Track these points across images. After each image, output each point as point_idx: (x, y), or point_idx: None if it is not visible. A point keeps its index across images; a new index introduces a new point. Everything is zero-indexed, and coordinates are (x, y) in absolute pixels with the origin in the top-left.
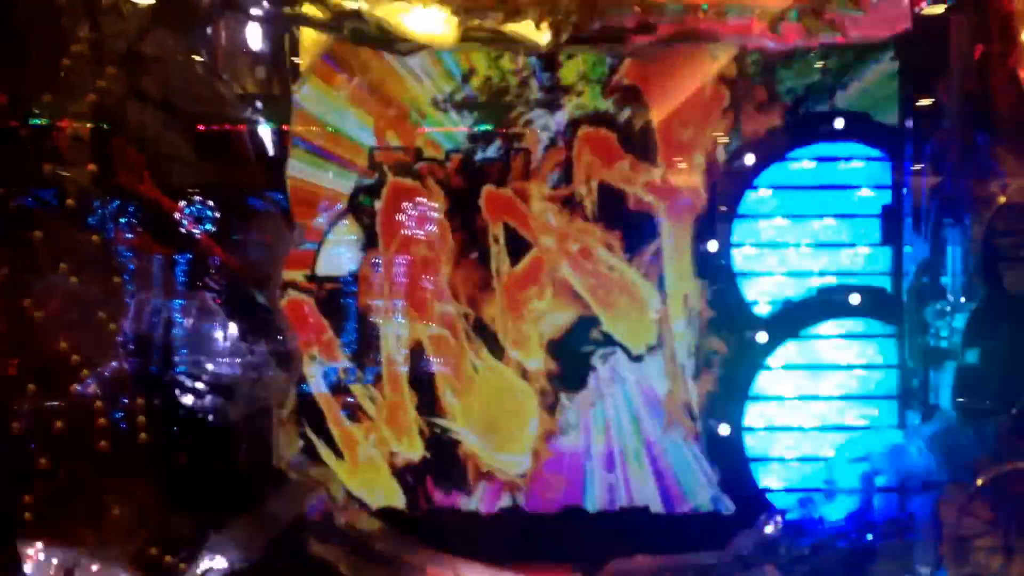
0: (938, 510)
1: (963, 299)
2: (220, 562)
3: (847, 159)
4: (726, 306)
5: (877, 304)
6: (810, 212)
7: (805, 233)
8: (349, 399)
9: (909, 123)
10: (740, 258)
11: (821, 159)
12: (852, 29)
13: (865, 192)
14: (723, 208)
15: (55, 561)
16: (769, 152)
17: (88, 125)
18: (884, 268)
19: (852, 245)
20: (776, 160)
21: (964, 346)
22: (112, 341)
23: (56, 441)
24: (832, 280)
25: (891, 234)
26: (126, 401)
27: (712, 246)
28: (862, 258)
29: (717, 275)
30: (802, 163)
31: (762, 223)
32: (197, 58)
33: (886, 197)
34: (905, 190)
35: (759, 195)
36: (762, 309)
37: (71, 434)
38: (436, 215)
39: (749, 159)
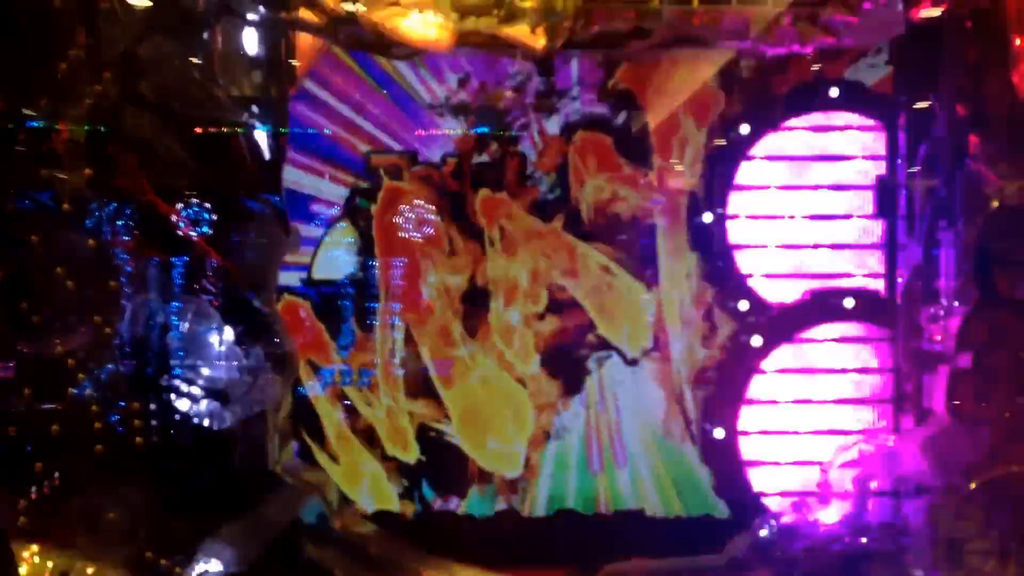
0: (931, 514)
1: (956, 303)
2: (215, 565)
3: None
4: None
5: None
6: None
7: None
8: (345, 402)
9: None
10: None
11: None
12: (847, 34)
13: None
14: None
15: (50, 564)
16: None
17: (85, 129)
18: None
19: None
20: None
21: (957, 350)
22: (108, 345)
23: (52, 444)
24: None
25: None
26: (122, 405)
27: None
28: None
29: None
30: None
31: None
32: (193, 62)
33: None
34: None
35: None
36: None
37: (67, 437)
38: (431, 218)
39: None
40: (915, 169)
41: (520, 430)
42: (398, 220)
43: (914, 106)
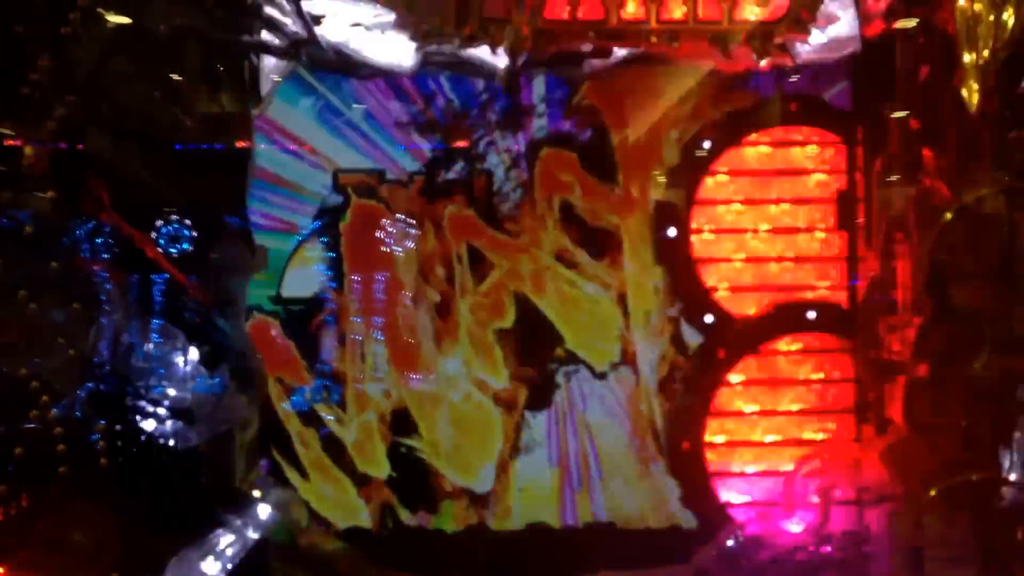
0: (892, 522)
1: (913, 314)
2: None
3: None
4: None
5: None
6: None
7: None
8: (315, 419)
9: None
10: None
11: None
12: (803, 52)
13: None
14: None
15: None
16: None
17: (48, 151)
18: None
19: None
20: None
21: (914, 360)
22: (73, 366)
23: (16, 467)
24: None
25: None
26: (87, 426)
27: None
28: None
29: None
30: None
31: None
32: (157, 84)
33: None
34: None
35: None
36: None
37: (31, 460)
38: (399, 235)
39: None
40: (893, 178)
41: (490, 444)
42: (366, 237)
43: (872, 120)
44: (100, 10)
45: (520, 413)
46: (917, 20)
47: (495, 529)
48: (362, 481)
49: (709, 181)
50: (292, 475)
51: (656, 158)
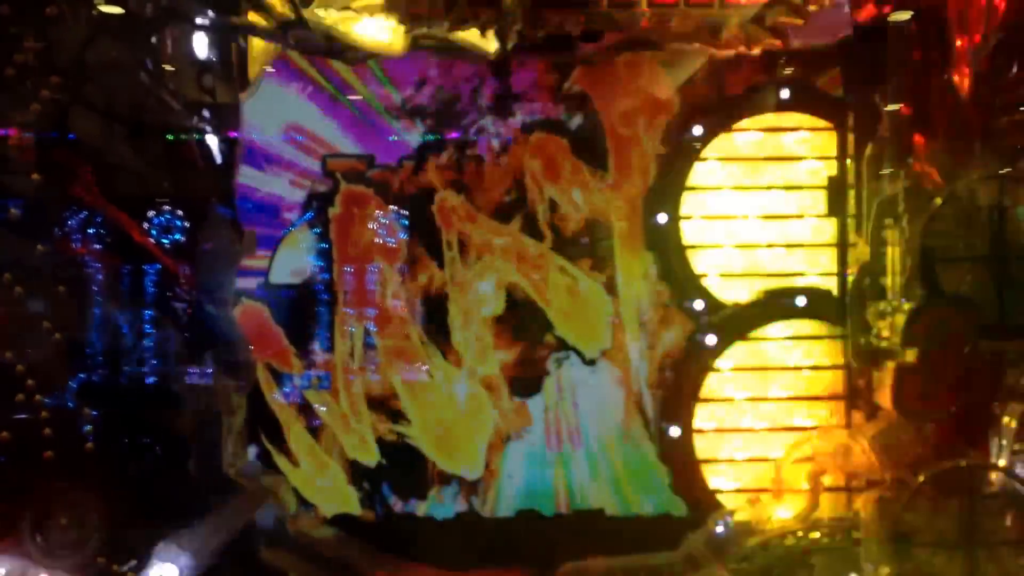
0: (881, 507)
1: (903, 300)
2: (169, 570)
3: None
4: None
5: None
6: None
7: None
8: (304, 405)
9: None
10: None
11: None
12: (794, 37)
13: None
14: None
15: (2, 571)
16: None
17: (32, 134)
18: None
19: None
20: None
21: (903, 346)
22: (60, 352)
23: (2, 452)
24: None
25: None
26: (74, 411)
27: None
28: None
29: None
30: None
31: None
32: (143, 67)
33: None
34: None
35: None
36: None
37: (17, 444)
38: (388, 221)
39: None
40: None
41: (480, 431)
42: (356, 223)
43: (862, 107)
44: None
45: (510, 400)
46: (911, 13)
47: (485, 516)
48: None
49: (700, 167)
50: (282, 462)
51: (647, 144)
